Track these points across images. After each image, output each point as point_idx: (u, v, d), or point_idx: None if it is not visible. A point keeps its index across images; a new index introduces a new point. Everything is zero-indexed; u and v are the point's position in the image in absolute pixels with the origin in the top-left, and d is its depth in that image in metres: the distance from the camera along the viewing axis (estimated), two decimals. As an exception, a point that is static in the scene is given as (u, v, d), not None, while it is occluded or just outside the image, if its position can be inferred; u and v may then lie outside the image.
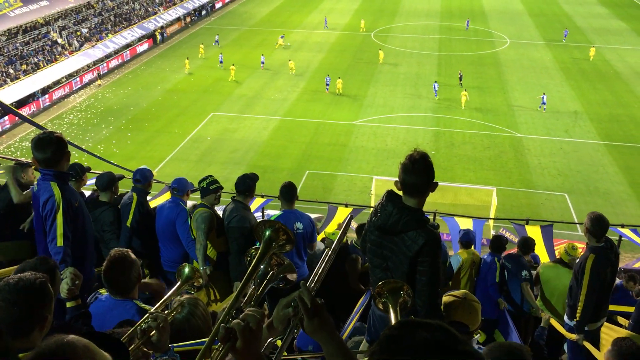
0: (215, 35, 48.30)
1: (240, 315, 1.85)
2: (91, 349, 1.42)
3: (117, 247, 6.39)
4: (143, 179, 6.70)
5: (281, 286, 2.38)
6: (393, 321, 2.43)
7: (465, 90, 34.61)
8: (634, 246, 11.19)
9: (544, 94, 33.88)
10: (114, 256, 3.76)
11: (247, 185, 6.42)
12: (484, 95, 35.46)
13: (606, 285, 5.79)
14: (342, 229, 2.74)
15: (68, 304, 3.61)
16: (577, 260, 6.07)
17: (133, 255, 3.82)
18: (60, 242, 4.46)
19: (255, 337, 1.79)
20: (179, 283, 2.90)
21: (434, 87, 35.49)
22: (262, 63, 41.04)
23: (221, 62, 41.53)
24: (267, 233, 2.26)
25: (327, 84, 36.38)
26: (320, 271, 2.32)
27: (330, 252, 2.38)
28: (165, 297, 2.82)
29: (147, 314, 2.57)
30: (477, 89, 36.04)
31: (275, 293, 5.16)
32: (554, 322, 6.62)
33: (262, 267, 2.27)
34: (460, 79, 37.38)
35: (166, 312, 2.70)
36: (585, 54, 43.16)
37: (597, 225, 5.59)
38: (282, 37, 46.72)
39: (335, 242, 2.47)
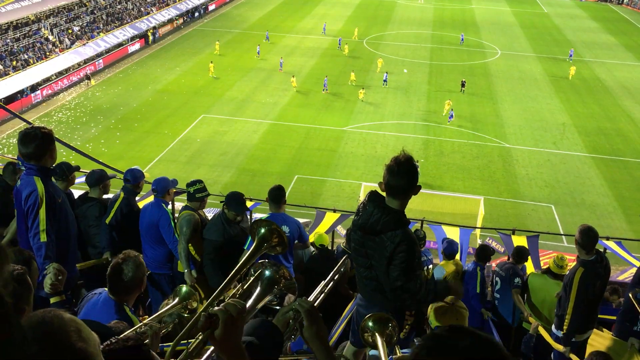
0: (265, 32, 49.67)
1: (222, 304, 1.85)
2: (78, 321, 1.44)
3: (102, 244, 6.41)
4: (133, 179, 6.65)
5: (274, 304, 2.37)
6: (382, 355, 2.43)
7: (450, 100, 34.21)
8: (618, 259, 11.26)
9: (451, 109, 33.10)
10: (122, 256, 3.74)
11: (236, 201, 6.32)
12: (473, 105, 35.70)
13: (594, 299, 5.83)
14: (336, 267, 2.76)
15: (52, 300, 3.60)
16: (567, 273, 6.11)
17: (141, 260, 3.79)
18: (43, 237, 4.41)
19: (235, 326, 1.79)
20: (175, 301, 2.90)
21: (378, 79, 37.62)
22: (281, 66, 41.01)
23: (258, 53, 44.04)
24: (262, 231, 2.27)
25: (325, 85, 36.76)
26: (321, 290, 2.35)
27: (332, 275, 2.41)
28: (160, 312, 2.83)
29: (141, 323, 2.57)
30: (467, 99, 36.29)
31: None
32: (542, 331, 6.65)
33: (268, 272, 2.24)
34: (463, 85, 37.85)
35: (160, 325, 2.71)
36: (579, 68, 43.39)
37: (586, 237, 5.63)
38: (380, 59, 43.95)
39: (334, 271, 2.48)
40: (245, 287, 2.20)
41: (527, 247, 8.77)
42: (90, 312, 3.69)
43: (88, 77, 38.79)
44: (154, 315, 2.79)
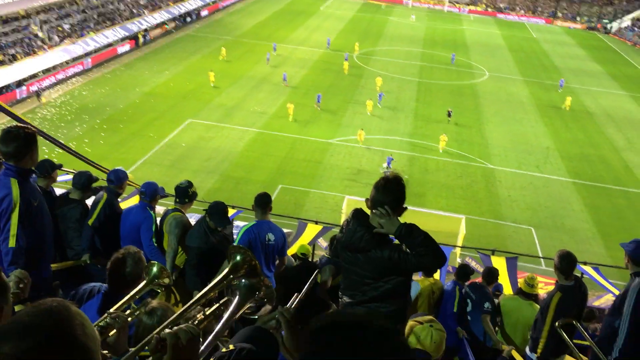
0: (273, 44, 49.26)
1: (174, 328, 1.78)
2: (83, 315, 1.45)
3: (83, 245, 6.30)
4: (116, 180, 6.59)
5: (248, 313, 2.31)
6: None
7: (445, 135, 32.25)
8: (595, 284, 11.38)
9: (391, 157, 29.22)
10: (123, 251, 3.78)
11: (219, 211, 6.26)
12: (459, 125, 35.97)
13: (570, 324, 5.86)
14: (311, 279, 2.73)
15: (16, 308, 3.51)
16: (545, 296, 6.15)
17: (140, 256, 3.82)
18: (12, 242, 4.26)
19: (184, 353, 1.74)
20: (144, 282, 2.79)
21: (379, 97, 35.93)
22: (284, 80, 40.60)
23: (268, 59, 44.66)
24: (238, 258, 2.21)
25: (319, 101, 36.34)
26: (298, 298, 2.32)
27: (308, 286, 2.40)
28: (128, 296, 2.68)
29: (106, 313, 2.49)
30: (453, 119, 36.52)
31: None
32: (515, 354, 6.68)
33: (246, 280, 2.19)
34: (449, 115, 36.02)
35: (127, 312, 2.61)
36: (564, 94, 43.82)
37: (565, 262, 5.69)
38: (379, 77, 42.03)
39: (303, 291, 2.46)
40: (212, 310, 2.14)
41: (500, 269, 8.87)
42: (90, 305, 3.70)
43: (38, 94, 35.16)
44: (120, 303, 2.61)
